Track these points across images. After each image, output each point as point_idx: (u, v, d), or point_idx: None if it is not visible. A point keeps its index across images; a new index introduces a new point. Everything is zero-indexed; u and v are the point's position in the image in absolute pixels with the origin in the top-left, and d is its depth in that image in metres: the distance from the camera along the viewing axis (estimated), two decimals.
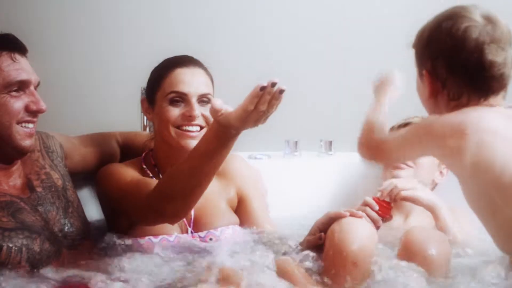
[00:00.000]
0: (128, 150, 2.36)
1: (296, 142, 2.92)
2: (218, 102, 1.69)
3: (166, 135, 2.14)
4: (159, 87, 2.14)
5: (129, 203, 2.05)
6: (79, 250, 2.02)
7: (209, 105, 2.08)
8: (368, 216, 2.09)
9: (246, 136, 2.66)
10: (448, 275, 1.87)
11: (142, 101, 2.25)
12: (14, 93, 1.95)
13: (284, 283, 1.80)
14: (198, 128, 2.11)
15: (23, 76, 1.97)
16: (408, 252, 1.93)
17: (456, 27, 1.61)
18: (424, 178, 2.41)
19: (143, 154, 2.26)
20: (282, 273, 1.85)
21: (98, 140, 2.34)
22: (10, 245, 1.85)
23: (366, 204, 2.12)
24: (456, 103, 1.65)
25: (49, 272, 1.86)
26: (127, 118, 2.61)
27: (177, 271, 1.84)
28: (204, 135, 1.81)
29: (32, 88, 1.99)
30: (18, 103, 1.95)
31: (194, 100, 2.10)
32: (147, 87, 2.23)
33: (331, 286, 1.89)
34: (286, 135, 2.94)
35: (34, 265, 1.88)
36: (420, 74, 1.72)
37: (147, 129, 2.54)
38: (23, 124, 1.97)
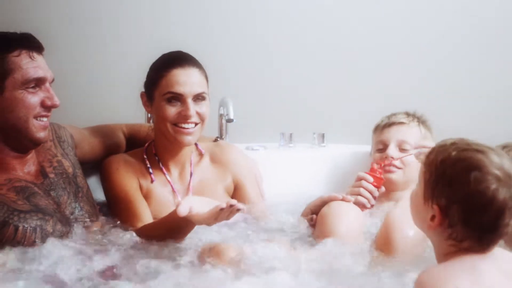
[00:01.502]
0: (133, 141, 2.42)
1: (291, 135, 2.97)
2: (182, 210, 1.79)
3: (164, 131, 2.22)
4: (157, 85, 2.22)
5: (118, 218, 2.15)
6: (88, 231, 2.09)
7: (204, 102, 2.19)
8: (365, 188, 2.16)
9: (244, 129, 2.79)
10: (424, 253, 1.92)
11: (141, 95, 2.30)
12: (31, 89, 2.01)
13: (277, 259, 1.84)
14: (193, 125, 2.18)
15: (40, 74, 2.01)
16: (388, 231, 2.02)
17: (486, 185, 1.49)
18: (413, 176, 2.35)
19: (145, 145, 2.31)
20: None
21: (106, 131, 2.40)
22: (26, 226, 1.94)
23: (361, 178, 2.19)
24: (455, 244, 1.56)
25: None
26: (132, 111, 2.62)
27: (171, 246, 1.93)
28: (172, 214, 1.90)
29: (47, 84, 2.04)
30: (34, 99, 2.01)
31: (189, 100, 2.18)
32: (146, 82, 2.29)
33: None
34: (281, 128, 3.00)
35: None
36: (426, 198, 1.59)
37: (151, 121, 2.55)
38: (39, 118, 2.03)
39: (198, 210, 1.81)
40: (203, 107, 2.20)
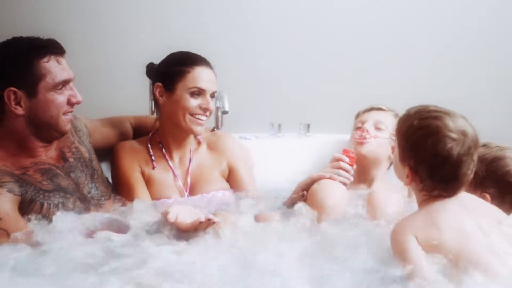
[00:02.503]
0: (139, 130, 2.56)
1: (279, 125, 3.09)
2: (171, 217, 1.95)
3: (180, 119, 2.34)
4: (181, 79, 2.33)
5: (121, 198, 2.32)
6: (103, 207, 2.25)
7: (213, 99, 2.35)
8: (342, 168, 2.30)
9: (238, 120, 2.92)
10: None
11: (156, 86, 2.37)
12: (59, 90, 2.12)
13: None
14: (205, 117, 2.36)
15: (65, 76, 2.13)
16: (372, 208, 2.18)
17: (441, 146, 1.70)
18: (384, 153, 2.57)
19: (150, 135, 2.45)
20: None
21: (115, 122, 2.54)
22: (50, 203, 2.10)
23: (337, 159, 2.33)
24: (427, 194, 1.77)
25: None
26: (139, 105, 2.78)
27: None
28: (162, 216, 2.05)
29: (71, 84, 2.16)
30: (62, 98, 2.13)
31: (208, 96, 2.34)
32: (165, 75, 2.37)
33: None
34: (271, 119, 3.12)
35: None
36: (401, 160, 1.79)
37: (154, 114, 2.67)
38: (66, 114, 2.15)
39: (182, 219, 1.95)
40: (213, 103, 2.36)
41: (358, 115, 2.68)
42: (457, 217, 1.74)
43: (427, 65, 3.45)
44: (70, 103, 2.15)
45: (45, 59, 2.09)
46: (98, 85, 3.20)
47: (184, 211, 2.00)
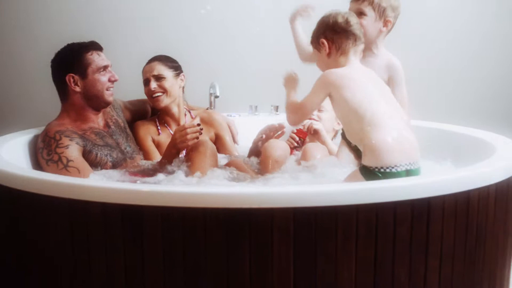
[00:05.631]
0: (155, 109, 3.04)
1: (256, 107, 3.54)
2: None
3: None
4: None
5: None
6: (134, 159, 2.76)
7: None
8: (294, 139, 2.87)
9: (226, 102, 3.41)
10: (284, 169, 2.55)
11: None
12: (102, 73, 2.62)
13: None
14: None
15: (105, 63, 2.63)
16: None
17: (346, 23, 2.31)
18: (328, 127, 2.98)
19: (158, 114, 3.00)
20: (236, 166, 2.62)
21: (139, 103, 3.07)
22: (101, 153, 2.60)
23: (292, 137, 2.93)
24: (341, 55, 2.30)
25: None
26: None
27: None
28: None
29: (109, 68, 2.65)
30: (104, 78, 2.64)
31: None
32: None
33: (263, 173, 2.56)
34: (250, 102, 3.55)
35: (113, 166, 2.62)
36: (318, 48, 2.33)
37: None
38: (108, 89, 2.65)
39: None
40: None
41: None
42: (363, 82, 2.28)
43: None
44: (110, 81, 2.65)
45: (90, 53, 2.63)
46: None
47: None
